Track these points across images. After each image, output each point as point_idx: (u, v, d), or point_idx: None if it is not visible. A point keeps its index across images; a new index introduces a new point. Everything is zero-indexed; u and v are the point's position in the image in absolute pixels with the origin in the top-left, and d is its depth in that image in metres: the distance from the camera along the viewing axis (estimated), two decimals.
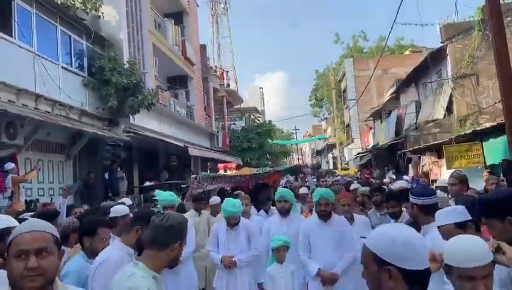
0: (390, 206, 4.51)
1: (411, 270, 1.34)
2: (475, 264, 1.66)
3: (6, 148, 8.29)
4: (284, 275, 4.20)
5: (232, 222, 4.57)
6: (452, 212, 2.63)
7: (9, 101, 8.01)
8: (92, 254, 3.08)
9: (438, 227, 2.66)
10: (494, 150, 9.39)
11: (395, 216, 4.46)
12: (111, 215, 4.11)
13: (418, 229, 3.15)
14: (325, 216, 4.23)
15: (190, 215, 5.51)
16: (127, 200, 6.31)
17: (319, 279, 4.11)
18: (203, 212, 6.13)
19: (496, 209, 1.97)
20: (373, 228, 4.78)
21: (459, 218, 2.57)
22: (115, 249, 2.92)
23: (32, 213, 4.99)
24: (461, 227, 2.55)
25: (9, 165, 7.66)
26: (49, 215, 3.84)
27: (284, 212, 4.77)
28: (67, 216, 5.21)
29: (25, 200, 8.00)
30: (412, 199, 3.27)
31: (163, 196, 4.83)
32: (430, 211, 3.03)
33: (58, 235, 1.70)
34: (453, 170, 10.32)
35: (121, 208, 4.28)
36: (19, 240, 1.59)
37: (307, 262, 4.19)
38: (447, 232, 2.53)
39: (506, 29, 8.39)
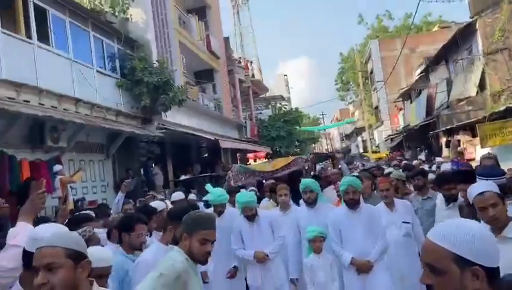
0: (447, 188, 4.24)
1: (492, 268, 1.24)
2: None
3: (52, 151, 8.81)
4: (323, 266, 4.16)
5: (249, 214, 4.51)
6: (491, 185, 2.68)
7: (52, 107, 8.50)
8: (130, 248, 3.25)
9: (481, 193, 2.59)
10: None
11: (454, 199, 4.19)
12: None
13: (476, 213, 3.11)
14: (353, 205, 4.15)
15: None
16: (180, 194, 6.32)
17: (353, 269, 4.06)
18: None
19: None
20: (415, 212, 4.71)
21: (498, 190, 2.60)
22: (153, 251, 3.04)
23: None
24: (502, 198, 2.59)
25: (57, 167, 8.16)
26: (80, 220, 3.77)
27: (310, 203, 4.65)
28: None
29: (73, 199, 8.52)
30: (478, 179, 3.18)
31: (214, 195, 4.68)
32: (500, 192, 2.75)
33: (75, 247, 1.72)
34: (488, 148, 10.22)
35: (157, 204, 4.47)
36: (34, 256, 1.71)
37: (340, 252, 4.14)
38: (488, 200, 2.52)
39: None
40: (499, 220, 2.50)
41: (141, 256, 3.03)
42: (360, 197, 4.22)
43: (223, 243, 4.36)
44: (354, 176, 5.18)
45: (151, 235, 3.95)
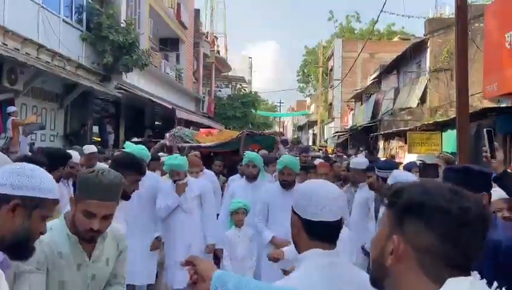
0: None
1: (307, 219, 1.42)
2: None
3: (6, 92, 8.87)
4: (242, 240, 4.09)
5: (176, 179, 4.24)
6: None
7: (15, 48, 8.55)
8: None
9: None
10: (451, 140, 10.46)
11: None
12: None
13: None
14: (286, 185, 4.07)
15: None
16: (92, 147, 6.24)
17: (272, 247, 3.89)
18: (157, 173, 5.71)
19: None
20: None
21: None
22: None
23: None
24: None
25: (11, 108, 8.27)
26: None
27: (252, 178, 4.59)
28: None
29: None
30: (377, 171, 3.75)
31: (132, 148, 4.04)
32: None
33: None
34: (415, 154, 11.46)
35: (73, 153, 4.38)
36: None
37: (262, 229, 4.07)
38: None
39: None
40: None
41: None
42: (294, 179, 4.15)
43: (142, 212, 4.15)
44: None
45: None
